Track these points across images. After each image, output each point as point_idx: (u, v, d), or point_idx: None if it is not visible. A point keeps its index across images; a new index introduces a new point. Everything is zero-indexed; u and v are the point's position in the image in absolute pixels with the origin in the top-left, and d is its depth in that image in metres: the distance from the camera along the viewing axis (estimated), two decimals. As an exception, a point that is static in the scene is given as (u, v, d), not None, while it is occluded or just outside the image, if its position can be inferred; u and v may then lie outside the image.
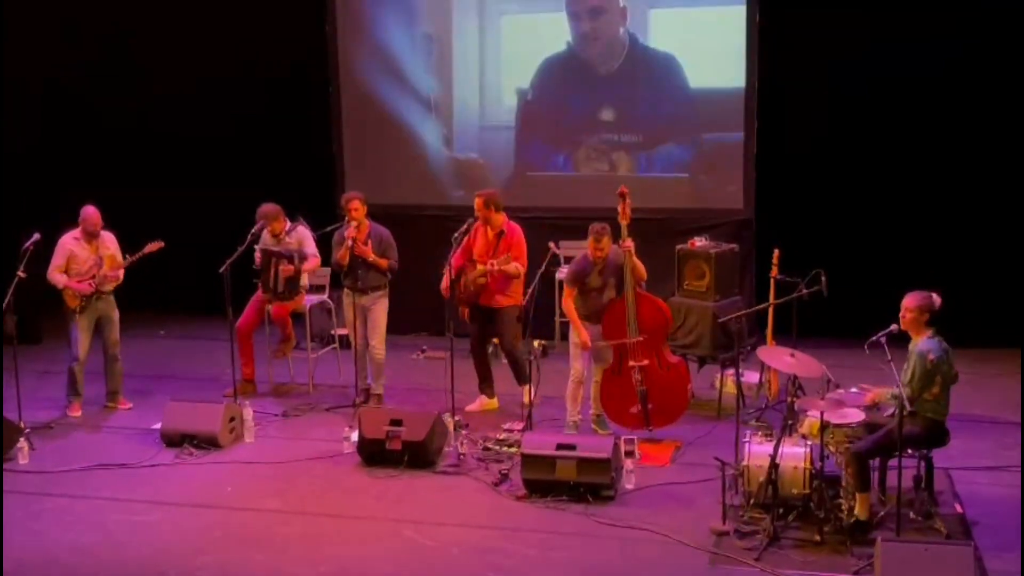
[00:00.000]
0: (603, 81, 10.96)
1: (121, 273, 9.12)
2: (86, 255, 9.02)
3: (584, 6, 10.89)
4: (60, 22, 11.88)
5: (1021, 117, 10.00)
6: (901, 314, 6.71)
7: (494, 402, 9.22)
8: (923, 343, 6.66)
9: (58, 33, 11.91)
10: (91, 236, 9.04)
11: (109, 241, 9.16)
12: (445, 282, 8.80)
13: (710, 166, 10.76)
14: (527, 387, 8.35)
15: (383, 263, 9.09)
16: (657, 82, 10.80)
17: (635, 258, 8.11)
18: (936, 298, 6.71)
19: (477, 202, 8.86)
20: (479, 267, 8.86)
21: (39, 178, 11.79)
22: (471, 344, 9.19)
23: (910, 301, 6.71)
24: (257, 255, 9.48)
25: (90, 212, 9.03)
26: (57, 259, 9.01)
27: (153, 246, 9.07)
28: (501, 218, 8.90)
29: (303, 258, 9.45)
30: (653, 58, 10.78)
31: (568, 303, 8.31)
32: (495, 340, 9.27)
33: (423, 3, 11.31)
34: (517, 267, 8.81)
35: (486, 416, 8.98)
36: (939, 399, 6.68)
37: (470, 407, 9.07)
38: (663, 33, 10.73)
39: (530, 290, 8.64)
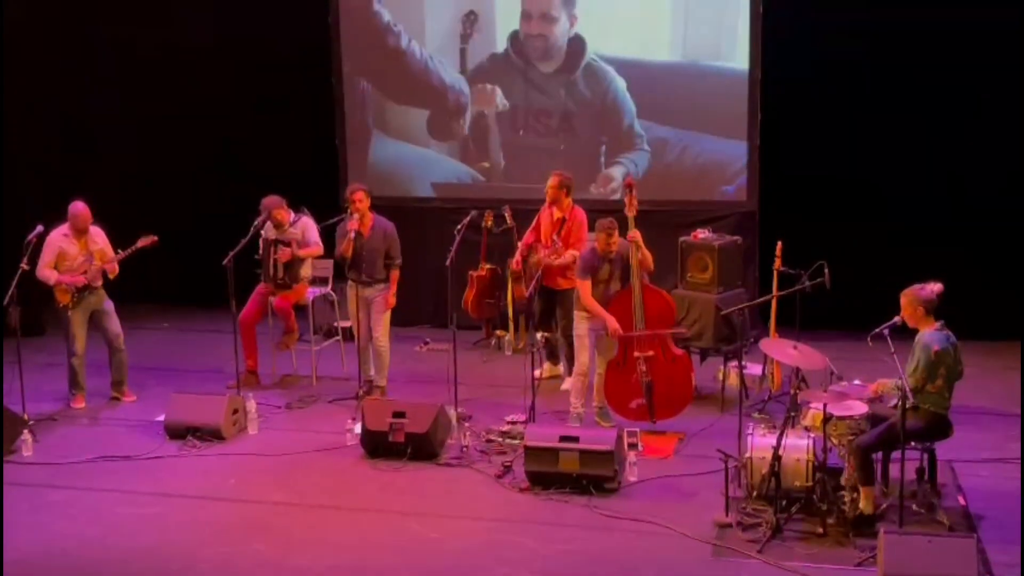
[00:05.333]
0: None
1: (116, 267, 9.12)
2: (76, 252, 8.99)
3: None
4: (59, 15, 11.87)
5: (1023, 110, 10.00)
6: (900, 313, 6.73)
7: (558, 368, 9.45)
8: (928, 335, 6.66)
9: (58, 27, 11.89)
10: (80, 232, 8.99)
11: (98, 236, 9.11)
12: (518, 258, 9.21)
13: (713, 155, 10.73)
14: (568, 377, 8.46)
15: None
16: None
17: (644, 249, 8.13)
18: (931, 287, 6.69)
19: (553, 181, 8.98)
20: (541, 252, 9.04)
21: (41, 170, 11.77)
22: (535, 322, 9.35)
23: (902, 299, 6.75)
24: (261, 246, 9.50)
25: (79, 208, 8.96)
26: (46, 256, 8.93)
27: (145, 240, 9.05)
28: (568, 202, 9.02)
29: (301, 244, 9.44)
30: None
31: (588, 298, 8.25)
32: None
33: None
34: (573, 254, 8.83)
35: (488, 406, 9.00)
36: (942, 392, 6.66)
37: (564, 386, 9.15)
38: (664, 16, 10.66)
39: (533, 282, 8.68)
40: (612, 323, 8.14)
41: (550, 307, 9.24)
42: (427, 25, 11.22)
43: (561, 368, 9.53)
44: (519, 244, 9.32)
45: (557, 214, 9.02)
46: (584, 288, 8.25)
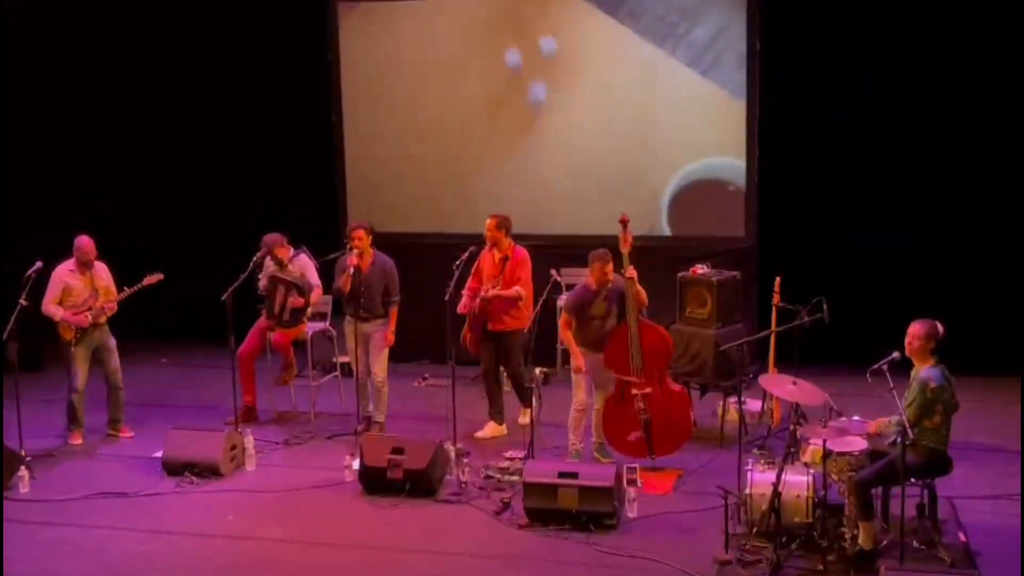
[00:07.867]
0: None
1: (114, 305, 9.12)
2: (81, 286, 9.01)
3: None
4: (66, 49, 11.94)
5: (1022, 148, 10.03)
6: (908, 341, 6.71)
7: (503, 428, 9.25)
8: (926, 371, 6.66)
9: (64, 59, 11.96)
10: (85, 266, 9.01)
11: (102, 272, 9.13)
12: (465, 302, 9.00)
13: (711, 193, 10.76)
14: (528, 409, 8.36)
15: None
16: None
17: (637, 285, 8.12)
18: (940, 327, 6.73)
19: (490, 223, 8.96)
20: (481, 293, 8.95)
21: (42, 206, 11.80)
22: (483, 369, 9.25)
23: (917, 329, 6.72)
24: (263, 282, 9.49)
25: (84, 242, 9.00)
26: (52, 291, 8.96)
27: (152, 279, 9.06)
28: (508, 243, 8.98)
29: (309, 287, 9.46)
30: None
31: (565, 331, 8.30)
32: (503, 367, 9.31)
33: (425, 31, 11.33)
34: (518, 291, 8.85)
35: (489, 443, 8.96)
36: (940, 428, 6.66)
37: (479, 433, 9.10)
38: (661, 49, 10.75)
39: (532, 318, 8.66)
40: (578, 359, 8.18)
41: (497, 352, 9.09)
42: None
43: (505, 428, 9.27)
44: (464, 292, 9.03)
45: (499, 255, 8.96)
46: (564, 324, 8.29)
